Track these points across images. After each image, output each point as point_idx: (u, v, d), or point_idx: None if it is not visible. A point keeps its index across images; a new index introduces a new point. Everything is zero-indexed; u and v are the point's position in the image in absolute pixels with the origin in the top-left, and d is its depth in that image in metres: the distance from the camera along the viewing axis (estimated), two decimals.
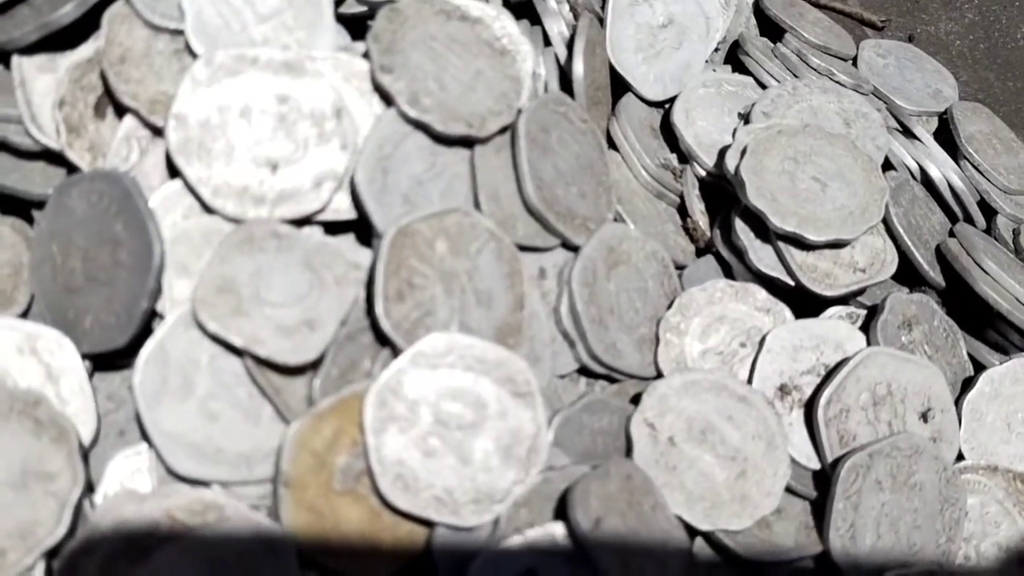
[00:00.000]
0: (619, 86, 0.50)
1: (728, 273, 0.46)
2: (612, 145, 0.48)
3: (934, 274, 0.44)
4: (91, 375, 0.36)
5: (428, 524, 0.34)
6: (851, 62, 0.59)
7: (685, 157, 0.49)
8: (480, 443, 0.34)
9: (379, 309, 0.35)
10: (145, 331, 0.35)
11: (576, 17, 0.48)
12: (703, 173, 0.48)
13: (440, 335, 0.35)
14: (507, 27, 0.42)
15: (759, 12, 0.59)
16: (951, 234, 0.47)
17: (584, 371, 0.41)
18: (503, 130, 0.40)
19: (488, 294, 0.37)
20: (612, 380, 0.41)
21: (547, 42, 0.47)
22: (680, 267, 0.46)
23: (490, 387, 0.35)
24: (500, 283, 0.38)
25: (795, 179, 0.44)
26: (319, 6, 0.41)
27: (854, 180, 0.44)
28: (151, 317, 0.36)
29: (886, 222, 0.45)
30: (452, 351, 0.35)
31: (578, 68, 0.45)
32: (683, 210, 0.48)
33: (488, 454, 0.34)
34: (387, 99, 0.38)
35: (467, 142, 0.40)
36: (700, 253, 0.47)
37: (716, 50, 0.55)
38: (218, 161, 0.36)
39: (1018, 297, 0.43)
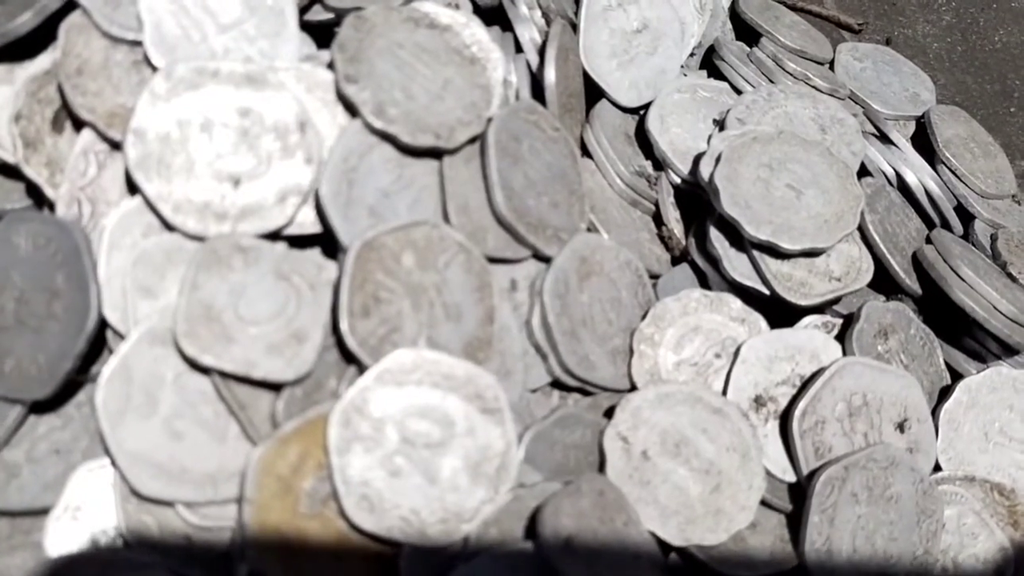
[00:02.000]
0: (594, 92, 0.50)
1: (703, 282, 0.45)
2: (586, 152, 0.48)
3: (910, 282, 0.44)
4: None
5: (396, 545, 0.33)
6: (828, 66, 0.59)
7: (660, 164, 0.48)
8: (448, 461, 0.34)
9: (344, 325, 0.34)
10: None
11: (549, 23, 0.47)
12: (678, 180, 0.47)
13: (407, 351, 0.34)
14: (477, 35, 0.41)
15: (736, 16, 0.59)
16: (928, 240, 0.47)
17: (557, 384, 0.40)
18: (472, 140, 0.40)
19: (457, 308, 0.37)
20: (586, 393, 0.41)
21: (519, 49, 0.46)
22: (655, 276, 0.45)
23: (458, 404, 0.34)
24: (469, 296, 0.37)
25: (770, 187, 0.43)
26: (282, 15, 0.40)
27: (829, 187, 0.44)
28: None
29: (862, 229, 0.44)
30: (419, 368, 0.34)
31: (550, 75, 0.44)
32: (658, 218, 0.48)
33: (456, 472, 0.34)
34: (352, 110, 0.38)
35: (435, 153, 0.39)
36: (676, 262, 0.47)
37: (692, 55, 0.55)
38: (178, 177, 0.35)
39: (994, 304, 0.43)
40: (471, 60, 0.40)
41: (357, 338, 0.34)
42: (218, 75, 0.36)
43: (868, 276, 0.43)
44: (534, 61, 0.46)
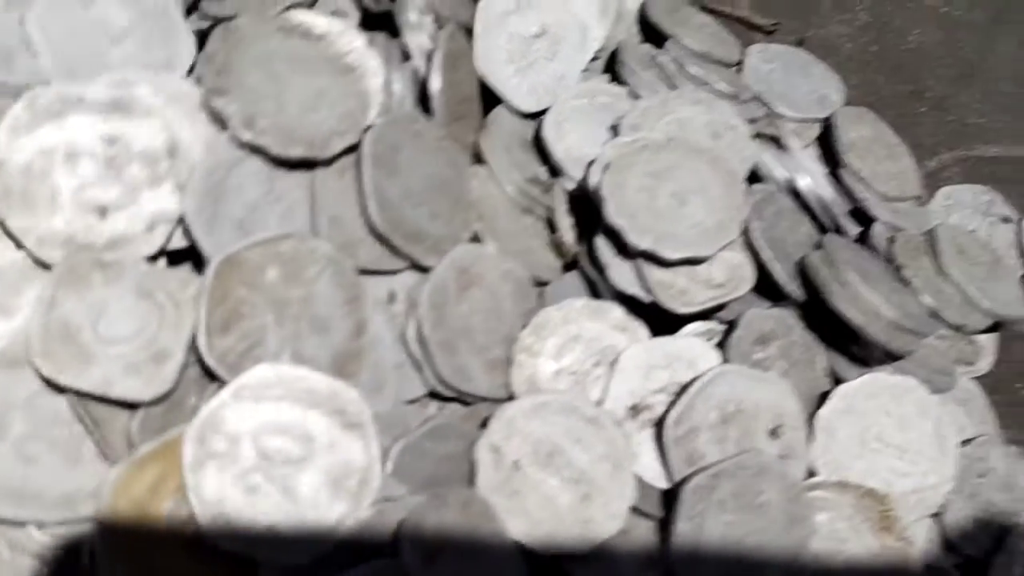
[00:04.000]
0: (493, 97, 0.50)
1: (594, 290, 0.45)
2: (482, 159, 0.48)
3: (794, 288, 0.44)
4: None
5: (255, 563, 0.33)
6: (737, 68, 0.59)
7: (557, 171, 0.48)
8: (307, 478, 0.34)
9: (202, 342, 0.34)
10: None
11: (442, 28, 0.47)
12: (573, 187, 0.48)
13: (267, 367, 0.34)
14: (353, 43, 0.41)
15: (646, 18, 0.59)
16: (819, 246, 0.47)
17: (435, 395, 0.40)
18: (348, 150, 0.40)
19: (324, 321, 0.37)
20: (465, 403, 0.41)
21: (408, 56, 0.46)
22: (546, 284, 0.46)
23: (319, 419, 0.34)
24: (339, 309, 0.37)
25: (655, 195, 0.44)
26: (167, 15, 0.40)
27: (714, 195, 0.44)
28: None
29: (747, 237, 0.45)
30: (279, 383, 0.34)
31: (435, 83, 0.44)
32: (553, 225, 0.48)
33: (316, 489, 0.34)
34: (222, 123, 0.38)
35: (309, 164, 0.39)
36: (569, 269, 0.47)
37: (596, 59, 0.55)
38: (42, 209, 0.35)
39: (877, 310, 0.43)
40: (347, 69, 0.40)
41: (216, 354, 0.34)
42: (83, 102, 0.36)
43: (749, 283, 0.44)
44: (423, 68, 0.46)
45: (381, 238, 0.39)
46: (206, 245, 0.36)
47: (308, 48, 0.40)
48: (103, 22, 0.39)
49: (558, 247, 0.47)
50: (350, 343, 0.37)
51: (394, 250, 0.39)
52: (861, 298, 0.43)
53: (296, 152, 0.38)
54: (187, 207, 0.36)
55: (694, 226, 0.43)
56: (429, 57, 0.45)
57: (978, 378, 0.53)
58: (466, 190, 0.44)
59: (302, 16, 0.40)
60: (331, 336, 0.37)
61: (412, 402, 0.40)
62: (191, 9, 0.42)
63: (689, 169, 0.45)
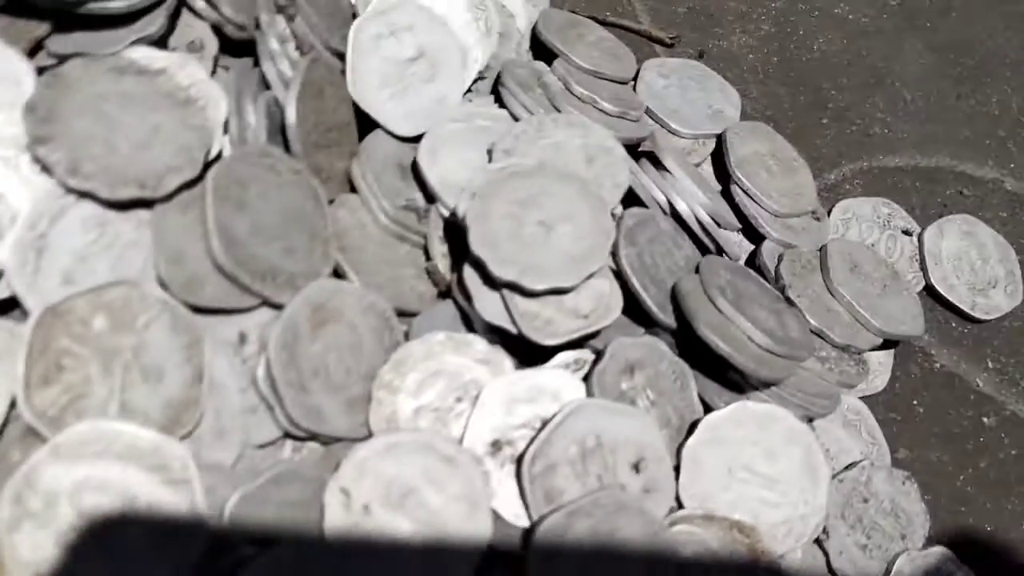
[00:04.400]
0: (372, 122, 0.49)
1: (467, 319, 0.44)
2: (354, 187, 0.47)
3: (664, 316, 0.44)
4: None
5: None
6: (634, 84, 0.58)
7: (432, 197, 0.47)
8: (129, 534, 0.33)
9: (20, 397, 0.33)
10: None
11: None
12: (447, 214, 0.47)
13: (85, 424, 0.33)
14: (195, 75, 0.40)
15: (538, 36, 0.58)
16: (698, 269, 0.46)
17: (293, 436, 0.39)
18: (190, 185, 0.39)
19: (158, 369, 0.36)
20: (325, 443, 0.40)
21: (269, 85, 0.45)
22: (415, 314, 0.45)
23: (139, 476, 0.33)
24: (174, 356, 0.36)
25: (521, 224, 0.43)
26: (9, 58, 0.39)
27: (582, 223, 0.43)
28: None
29: (617, 263, 0.44)
30: (99, 439, 0.33)
31: (291, 114, 0.43)
32: (428, 252, 0.47)
33: (137, 545, 0.33)
34: (48, 171, 0.36)
35: (145, 204, 0.38)
36: (443, 297, 0.46)
37: (482, 79, 0.54)
38: None
39: (748, 336, 0.43)
40: (185, 102, 0.39)
41: (34, 410, 0.33)
42: None
43: (616, 312, 0.43)
44: (283, 97, 0.45)
45: (228, 275, 0.38)
46: (28, 299, 0.35)
47: (142, 85, 0.39)
48: None
49: (432, 275, 0.46)
50: (186, 391, 0.36)
51: (243, 288, 0.38)
52: (730, 325, 0.43)
53: (127, 193, 0.36)
54: (7, 263, 0.34)
55: (560, 255, 0.42)
56: (288, 86, 0.44)
57: (873, 396, 0.53)
58: (325, 223, 0.42)
59: (137, 53, 0.39)
60: (164, 384, 0.35)
61: (264, 446, 0.39)
62: (37, 48, 0.41)
63: (557, 196, 0.44)
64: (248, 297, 0.39)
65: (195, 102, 0.39)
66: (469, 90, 0.53)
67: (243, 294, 0.39)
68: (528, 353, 0.43)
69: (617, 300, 0.43)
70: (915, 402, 0.53)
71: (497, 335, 0.43)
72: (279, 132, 0.44)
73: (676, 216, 0.48)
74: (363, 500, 0.37)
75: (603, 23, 0.61)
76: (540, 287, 0.41)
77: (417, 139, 0.50)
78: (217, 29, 0.46)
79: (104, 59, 0.38)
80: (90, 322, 0.35)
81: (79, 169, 0.36)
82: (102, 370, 0.34)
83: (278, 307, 0.40)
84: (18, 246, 0.35)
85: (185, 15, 0.45)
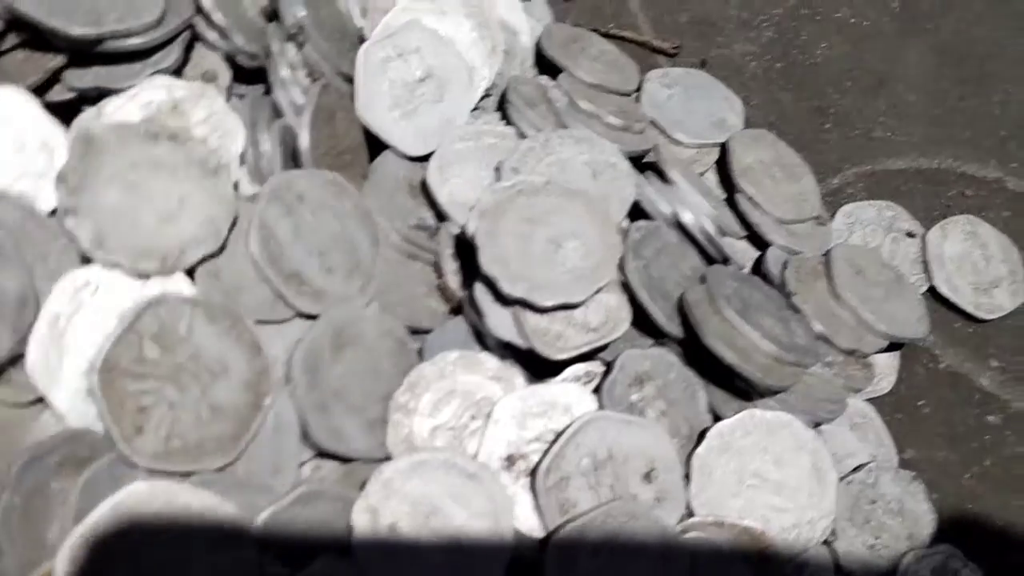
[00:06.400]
0: (381, 143, 0.50)
1: (479, 335, 0.46)
2: None
3: (672, 327, 0.45)
4: None
5: None
6: (636, 95, 0.59)
7: (442, 215, 0.49)
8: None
9: (125, 452, 0.35)
10: None
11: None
12: (458, 232, 0.48)
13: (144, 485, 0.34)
14: (213, 105, 0.42)
15: (542, 52, 0.58)
16: (703, 279, 0.47)
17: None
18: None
19: (220, 362, 0.38)
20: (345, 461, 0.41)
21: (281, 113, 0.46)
22: (428, 331, 0.46)
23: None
24: (225, 342, 0.38)
25: (530, 241, 0.44)
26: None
27: (589, 238, 0.44)
28: None
29: (624, 277, 0.45)
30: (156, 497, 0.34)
31: (303, 141, 0.44)
32: (439, 270, 0.48)
33: None
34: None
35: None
36: (455, 314, 0.47)
37: (488, 96, 0.55)
38: None
39: (755, 345, 0.44)
40: (215, 170, 0.40)
41: (145, 459, 0.35)
42: None
43: (625, 325, 0.44)
44: (296, 123, 0.46)
45: (256, 267, 0.40)
46: (57, 400, 0.36)
47: (175, 153, 0.40)
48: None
49: (444, 293, 0.47)
50: (251, 365, 0.38)
51: (268, 283, 0.40)
52: (736, 334, 0.44)
53: (149, 267, 0.38)
54: (30, 360, 0.36)
55: (569, 271, 0.43)
56: (300, 113, 0.45)
57: (880, 397, 0.54)
58: (374, 265, 0.44)
59: (171, 119, 0.41)
60: (232, 372, 0.37)
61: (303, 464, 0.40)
62: (54, 80, 0.42)
63: (565, 213, 0.45)
64: (280, 306, 0.41)
65: (224, 167, 0.40)
66: (476, 108, 0.54)
67: (276, 302, 0.41)
68: (539, 367, 0.45)
69: (626, 313, 0.44)
70: (921, 402, 0.54)
71: (508, 350, 0.44)
72: (291, 158, 0.46)
73: (681, 227, 0.49)
74: (390, 519, 0.38)
75: (605, 35, 0.62)
76: (550, 303, 0.42)
77: (426, 159, 0.51)
78: (230, 59, 0.47)
79: (138, 124, 0.40)
80: (143, 356, 0.36)
81: (104, 242, 0.37)
82: (178, 390, 0.36)
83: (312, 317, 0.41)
84: (42, 340, 0.36)
85: (198, 46, 0.47)
